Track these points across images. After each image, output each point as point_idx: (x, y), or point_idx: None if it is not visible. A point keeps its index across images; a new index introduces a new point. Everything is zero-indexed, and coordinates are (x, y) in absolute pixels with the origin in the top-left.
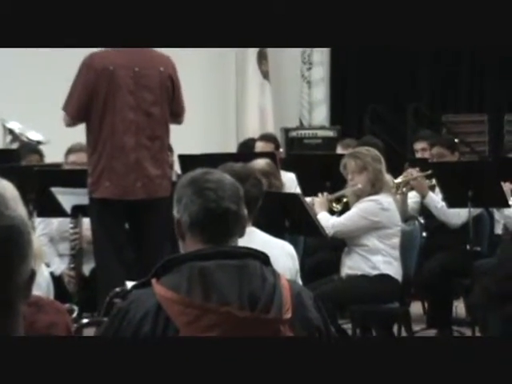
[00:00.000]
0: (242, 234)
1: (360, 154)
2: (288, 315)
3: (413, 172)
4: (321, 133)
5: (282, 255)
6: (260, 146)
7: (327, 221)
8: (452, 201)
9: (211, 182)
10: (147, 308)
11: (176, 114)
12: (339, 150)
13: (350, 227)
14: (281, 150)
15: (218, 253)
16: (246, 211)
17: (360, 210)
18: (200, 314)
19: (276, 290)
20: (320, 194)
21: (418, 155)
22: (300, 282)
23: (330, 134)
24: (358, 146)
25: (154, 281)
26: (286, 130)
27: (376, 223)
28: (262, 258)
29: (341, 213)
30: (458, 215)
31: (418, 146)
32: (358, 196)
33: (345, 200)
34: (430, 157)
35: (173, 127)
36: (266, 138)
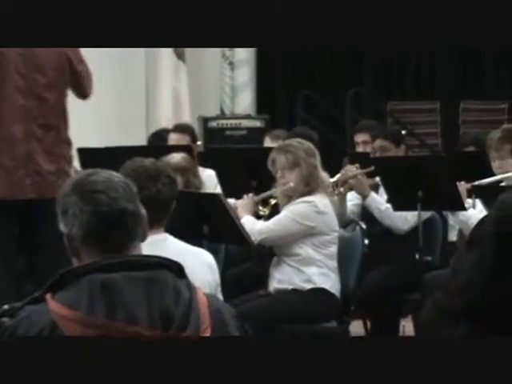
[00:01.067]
0: (144, 237)
1: (291, 147)
2: (206, 333)
3: (352, 169)
4: (245, 123)
5: (200, 266)
6: (174, 139)
7: (253, 226)
8: (398, 202)
9: (98, 184)
10: (40, 327)
11: (77, 85)
12: (267, 143)
13: (279, 233)
14: (198, 142)
15: (124, 263)
16: (144, 211)
17: (292, 214)
18: (103, 335)
19: (192, 306)
20: (245, 195)
21: (359, 149)
22: (221, 296)
23: (257, 124)
24: (289, 138)
25: (48, 296)
26: (205, 120)
27: (310, 229)
28: (176, 269)
29: (269, 217)
30: (406, 219)
31: (359, 138)
32: (289, 197)
33: (273, 202)
34: (372, 151)
35: (71, 115)
36: (181, 128)
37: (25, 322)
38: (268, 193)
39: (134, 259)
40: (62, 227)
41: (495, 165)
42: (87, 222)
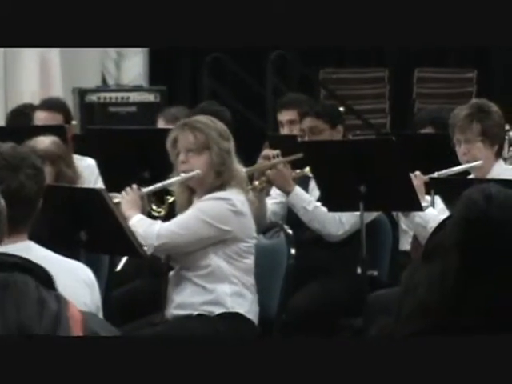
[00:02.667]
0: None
1: (201, 124)
2: None
3: (269, 155)
4: (135, 96)
5: (75, 284)
6: (41, 118)
7: (148, 228)
8: (334, 201)
9: None
10: None
11: None
12: (161, 124)
13: (185, 238)
14: (74, 122)
15: None
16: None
17: (202, 213)
18: None
19: (60, 322)
20: (128, 188)
21: (284, 131)
22: None
23: (150, 98)
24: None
25: None
26: (82, 92)
27: (225, 234)
28: (42, 277)
29: (165, 219)
30: (339, 223)
31: (284, 116)
32: (191, 191)
33: (171, 199)
34: (300, 133)
35: None
36: (51, 104)
37: None
38: (163, 183)
39: None
40: None
41: (460, 150)
42: None
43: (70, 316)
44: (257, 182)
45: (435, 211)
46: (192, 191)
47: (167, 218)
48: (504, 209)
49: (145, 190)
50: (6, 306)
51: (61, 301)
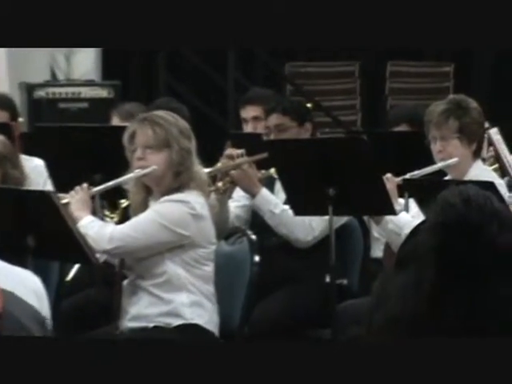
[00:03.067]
0: None
1: (162, 120)
2: None
3: (233, 154)
4: (87, 92)
5: (22, 292)
6: None
7: (100, 230)
8: (301, 204)
9: None
10: None
11: None
12: (115, 122)
13: (141, 242)
14: (20, 119)
15: None
16: None
17: (160, 216)
18: None
19: None
20: (77, 187)
21: (248, 128)
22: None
23: (103, 93)
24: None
25: None
26: (30, 87)
27: (183, 239)
28: None
29: (120, 223)
30: (310, 227)
31: (248, 113)
32: (146, 191)
33: (125, 204)
34: (265, 131)
35: None
36: None
37: None
38: (116, 181)
39: None
40: None
41: (435, 147)
42: None
43: None
44: (220, 183)
45: (409, 216)
46: (148, 192)
47: (120, 223)
48: (483, 212)
49: (96, 188)
50: None
51: None
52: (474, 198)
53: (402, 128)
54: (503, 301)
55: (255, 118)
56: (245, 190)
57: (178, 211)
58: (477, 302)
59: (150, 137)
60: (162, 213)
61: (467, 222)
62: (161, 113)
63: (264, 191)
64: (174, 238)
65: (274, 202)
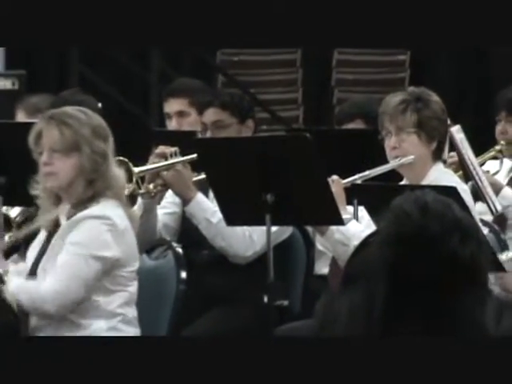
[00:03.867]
0: None
1: (72, 117)
2: None
3: (166, 153)
4: None
5: None
6: None
7: (33, 295)
8: (233, 211)
9: None
10: None
11: None
12: (21, 117)
13: (80, 287)
14: None
15: None
16: None
17: (80, 247)
18: None
19: None
20: None
21: (172, 124)
22: None
23: (7, 84)
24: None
25: None
26: None
27: (108, 262)
28: None
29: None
30: (251, 240)
31: (172, 106)
32: (57, 197)
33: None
34: (202, 127)
35: None
36: None
37: None
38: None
39: None
40: None
41: (389, 143)
42: None
43: None
44: (151, 186)
45: (360, 225)
46: (59, 198)
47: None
48: (442, 221)
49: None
50: None
51: None
52: (432, 205)
53: (355, 125)
54: (465, 318)
55: (180, 113)
56: (178, 193)
57: (97, 233)
58: (433, 322)
59: (56, 139)
60: (81, 242)
61: (424, 234)
62: (71, 110)
63: (200, 196)
64: (102, 264)
65: (211, 209)
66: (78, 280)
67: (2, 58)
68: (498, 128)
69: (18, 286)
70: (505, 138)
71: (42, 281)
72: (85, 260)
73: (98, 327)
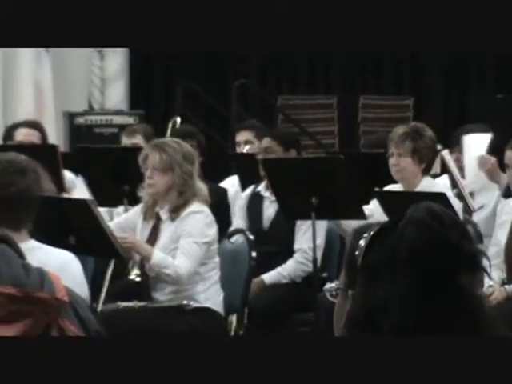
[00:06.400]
0: None
1: (169, 147)
2: (65, 299)
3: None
4: (117, 119)
5: (65, 276)
6: (24, 133)
7: (167, 262)
8: (289, 209)
9: None
10: None
11: None
12: (124, 141)
13: (196, 264)
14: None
15: None
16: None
17: (194, 237)
18: None
19: (45, 280)
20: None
21: (240, 149)
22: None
23: (130, 120)
24: (155, 137)
25: None
26: (71, 115)
27: (209, 245)
28: (17, 250)
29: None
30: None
31: (241, 136)
32: (154, 202)
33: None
34: (259, 151)
35: None
36: (31, 124)
37: None
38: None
39: None
40: None
41: (391, 162)
42: None
43: (51, 273)
44: None
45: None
46: (156, 201)
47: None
48: (456, 228)
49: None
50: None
51: (41, 269)
52: (444, 214)
53: (376, 150)
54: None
55: (246, 142)
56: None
57: (201, 222)
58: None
59: (157, 161)
60: (192, 232)
61: (447, 241)
62: (169, 140)
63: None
64: (208, 245)
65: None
66: (197, 260)
67: (127, 101)
68: None
69: (161, 258)
70: None
71: (172, 257)
72: (200, 245)
73: (196, 290)
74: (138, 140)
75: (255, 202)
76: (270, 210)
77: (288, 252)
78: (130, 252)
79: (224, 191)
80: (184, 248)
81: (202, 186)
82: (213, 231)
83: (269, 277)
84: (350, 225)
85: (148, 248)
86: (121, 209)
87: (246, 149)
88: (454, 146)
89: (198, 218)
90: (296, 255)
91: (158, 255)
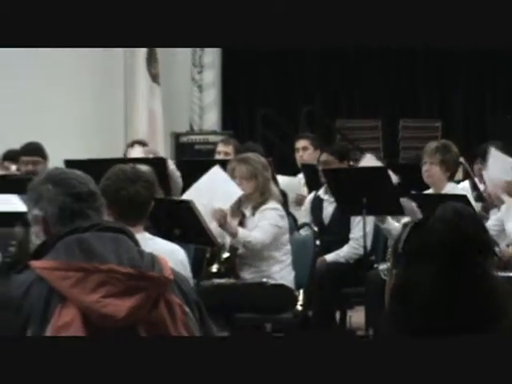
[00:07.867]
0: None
1: (250, 160)
2: (171, 277)
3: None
4: (212, 138)
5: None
6: (138, 151)
7: (247, 234)
8: (345, 207)
9: (68, 173)
10: (27, 284)
11: None
12: (220, 147)
13: (268, 241)
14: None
15: (92, 226)
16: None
17: (270, 220)
18: (83, 276)
19: (155, 263)
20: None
21: (299, 154)
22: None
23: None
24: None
25: (31, 262)
26: (177, 135)
27: (282, 231)
28: (134, 240)
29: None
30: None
31: (300, 144)
32: (240, 201)
33: (225, 256)
34: (318, 163)
35: (57, 132)
36: (139, 142)
37: (14, 285)
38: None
39: (100, 223)
40: (37, 212)
41: (424, 168)
42: (62, 202)
43: (160, 257)
44: None
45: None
46: (240, 201)
47: (226, 272)
48: (474, 222)
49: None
50: (120, 249)
51: (152, 254)
52: (471, 213)
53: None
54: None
55: (304, 148)
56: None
57: (276, 213)
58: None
59: (244, 171)
60: (271, 218)
61: (477, 239)
62: (251, 155)
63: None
64: (280, 231)
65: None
66: (268, 234)
67: (220, 124)
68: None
69: (243, 231)
70: None
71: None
72: (274, 227)
73: (273, 270)
74: (230, 149)
75: (317, 204)
76: (328, 209)
77: (343, 240)
78: (221, 241)
79: (284, 194)
80: (259, 226)
81: (275, 189)
82: (284, 222)
83: (329, 257)
84: (392, 226)
85: (235, 226)
86: None
87: (302, 155)
88: (477, 158)
89: (273, 211)
90: (351, 242)
91: (241, 230)
